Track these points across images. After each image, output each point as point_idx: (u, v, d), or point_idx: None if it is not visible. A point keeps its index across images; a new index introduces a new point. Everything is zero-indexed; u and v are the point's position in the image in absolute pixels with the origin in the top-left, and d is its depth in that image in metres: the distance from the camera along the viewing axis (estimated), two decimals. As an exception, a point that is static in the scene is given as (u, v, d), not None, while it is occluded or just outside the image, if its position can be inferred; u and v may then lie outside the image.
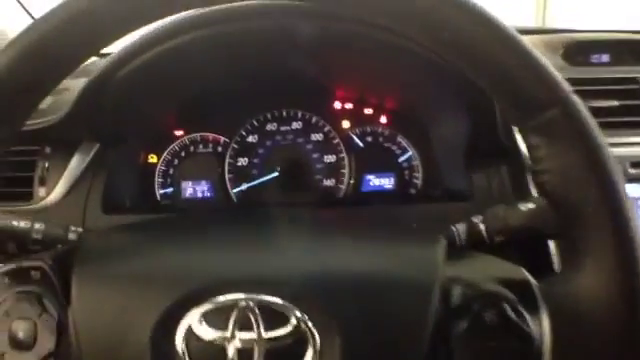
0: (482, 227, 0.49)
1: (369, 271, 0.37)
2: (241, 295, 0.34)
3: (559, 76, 0.35)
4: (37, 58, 0.33)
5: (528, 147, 0.38)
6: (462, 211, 0.67)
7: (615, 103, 0.68)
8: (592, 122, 0.34)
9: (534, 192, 0.62)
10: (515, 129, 0.65)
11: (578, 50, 0.77)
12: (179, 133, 0.81)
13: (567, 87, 0.35)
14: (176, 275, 0.36)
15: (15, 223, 0.49)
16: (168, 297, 0.34)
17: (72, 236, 0.51)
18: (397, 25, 0.35)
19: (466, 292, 0.36)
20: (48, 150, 0.69)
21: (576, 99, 0.35)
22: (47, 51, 0.33)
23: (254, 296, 0.34)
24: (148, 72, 0.61)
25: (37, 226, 0.50)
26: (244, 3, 0.56)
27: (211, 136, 0.81)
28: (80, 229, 0.52)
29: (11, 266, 0.37)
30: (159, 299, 0.35)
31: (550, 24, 3.33)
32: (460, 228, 0.51)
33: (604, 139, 0.34)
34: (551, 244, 0.58)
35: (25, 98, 0.35)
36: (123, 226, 0.52)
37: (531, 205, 0.48)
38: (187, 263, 0.37)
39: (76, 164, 0.68)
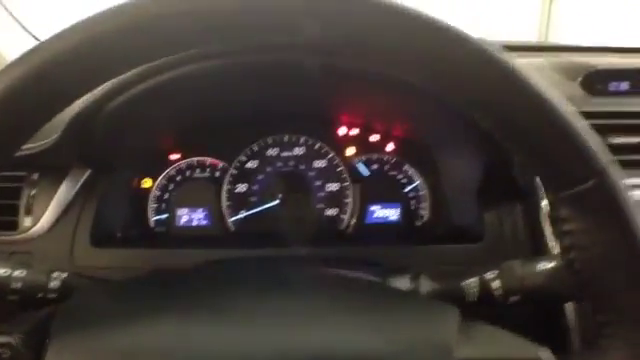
0: (497, 285, 0.46)
1: (369, 355, 0.33)
2: None
3: (599, 145, 0.31)
4: (28, 95, 0.29)
5: (556, 218, 0.34)
6: (472, 254, 0.64)
7: (637, 140, 0.65)
8: (628, 198, 0.31)
9: (549, 238, 0.58)
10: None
11: (597, 78, 0.73)
12: (175, 157, 0.77)
13: (606, 158, 0.31)
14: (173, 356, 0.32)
15: None
16: None
17: (54, 284, 0.47)
18: (428, 82, 0.31)
19: None
20: (35, 176, 0.65)
21: (614, 172, 0.31)
22: (40, 87, 0.29)
23: None
24: (146, 101, 0.57)
25: (17, 273, 0.46)
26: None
27: (209, 160, 0.77)
28: (64, 274, 0.48)
29: (-24, 342, 0.33)
30: None
31: (553, 27, 3.32)
32: (472, 284, 0.48)
33: None
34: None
35: (10, 137, 0.31)
36: (110, 284, 0.48)
37: (550, 264, 0.44)
38: (186, 344, 0.33)
39: (65, 191, 0.65)
